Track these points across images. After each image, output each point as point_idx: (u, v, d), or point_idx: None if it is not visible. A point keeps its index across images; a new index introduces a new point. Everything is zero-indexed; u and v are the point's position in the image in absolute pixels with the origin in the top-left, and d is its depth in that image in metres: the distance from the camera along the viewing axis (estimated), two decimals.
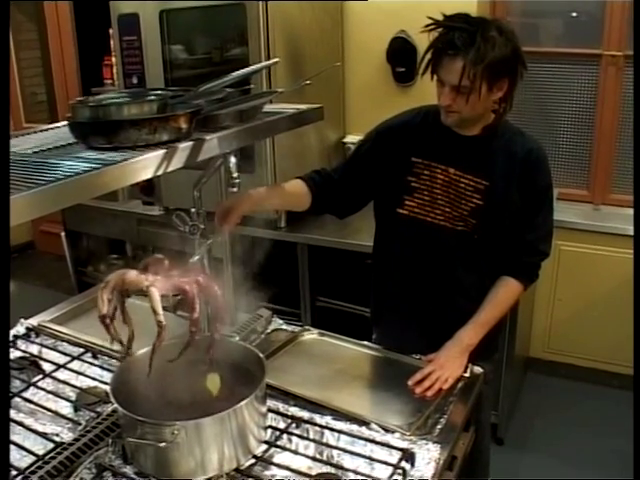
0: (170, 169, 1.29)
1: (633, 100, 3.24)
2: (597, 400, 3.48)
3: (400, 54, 3.40)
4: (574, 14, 3.42)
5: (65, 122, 1.41)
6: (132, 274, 1.52)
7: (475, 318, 1.93)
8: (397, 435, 1.56)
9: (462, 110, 1.80)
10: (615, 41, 3.29)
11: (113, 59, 3.83)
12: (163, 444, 1.35)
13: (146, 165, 1.24)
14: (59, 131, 1.55)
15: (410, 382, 1.79)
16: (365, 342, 2.04)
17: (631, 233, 3.27)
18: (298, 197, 2.04)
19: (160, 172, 1.27)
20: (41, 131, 1.59)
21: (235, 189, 1.57)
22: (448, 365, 1.83)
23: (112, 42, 3.44)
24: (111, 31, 3.31)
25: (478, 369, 1.86)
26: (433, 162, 1.93)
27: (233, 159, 1.57)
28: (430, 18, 1.79)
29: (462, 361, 1.86)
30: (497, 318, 1.96)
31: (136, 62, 3.21)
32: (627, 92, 3.35)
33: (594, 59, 3.38)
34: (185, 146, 1.33)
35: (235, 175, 1.56)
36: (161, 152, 1.27)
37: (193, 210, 1.77)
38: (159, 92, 1.46)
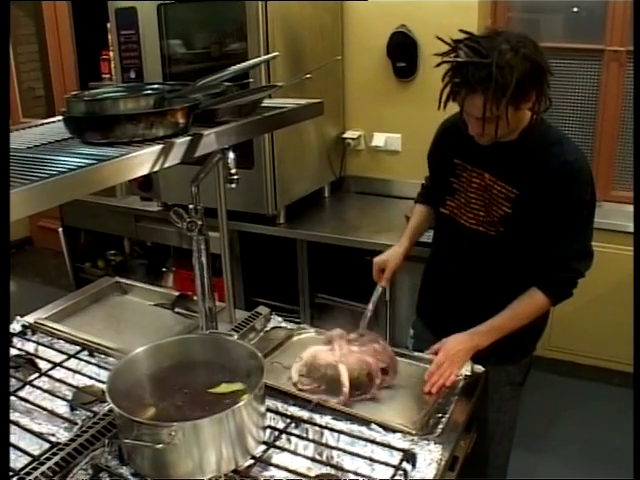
0: (167, 165, 1.27)
1: (633, 97, 3.21)
2: (598, 398, 3.47)
3: (400, 49, 3.37)
4: (576, 9, 3.40)
5: (60, 117, 1.39)
6: (322, 353, 1.78)
7: (491, 321, 1.89)
8: (398, 435, 1.54)
9: (493, 135, 1.78)
10: (617, 36, 3.26)
11: (111, 53, 3.80)
12: (160, 445, 1.32)
13: (142, 161, 1.21)
14: (54, 126, 1.53)
15: (426, 377, 1.77)
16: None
17: (632, 230, 3.26)
18: (428, 219, 2.24)
19: (157, 168, 1.25)
20: (36, 126, 1.57)
21: (234, 185, 1.55)
22: (455, 359, 1.80)
23: (110, 36, 3.41)
24: (109, 25, 3.28)
25: (480, 368, 1.83)
26: (471, 165, 1.93)
27: (231, 154, 1.55)
28: (440, 39, 1.72)
29: (466, 359, 1.82)
30: (514, 327, 1.90)
31: (134, 57, 3.19)
32: (629, 88, 3.33)
33: (596, 54, 3.35)
34: (182, 141, 1.31)
35: (233, 171, 1.54)
36: (158, 147, 1.25)
37: (191, 206, 1.75)
38: (156, 86, 1.43)
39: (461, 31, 1.75)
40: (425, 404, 1.70)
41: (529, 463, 3.02)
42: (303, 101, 1.79)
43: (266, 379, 1.53)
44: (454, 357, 1.80)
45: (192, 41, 3.24)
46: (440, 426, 1.60)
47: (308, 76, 1.67)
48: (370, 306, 2.10)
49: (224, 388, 1.54)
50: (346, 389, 1.69)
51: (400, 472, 1.42)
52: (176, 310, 2.27)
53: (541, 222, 1.85)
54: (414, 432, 1.55)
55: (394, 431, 1.55)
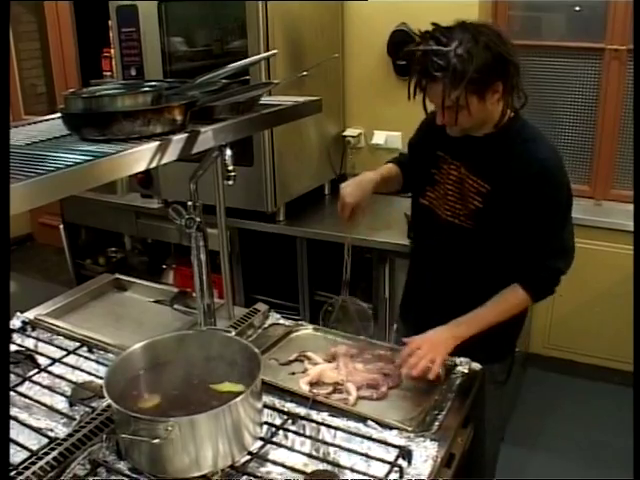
0: (164, 161, 1.28)
1: (633, 96, 3.21)
2: (597, 396, 3.47)
3: (401, 47, 3.34)
4: (577, 8, 3.40)
5: (59, 114, 1.40)
6: (327, 371, 1.78)
7: (472, 313, 1.88)
8: (394, 432, 1.54)
9: (454, 124, 1.81)
10: (618, 35, 3.26)
11: (112, 51, 3.80)
12: (157, 440, 1.33)
13: (139, 157, 1.22)
14: (54, 123, 1.54)
15: (398, 360, 1.77)
16: (360, 337, 2.03)
17: (632, 229, 3.26)
18: (397, 178, 2.20)
19: (154, 164, 1.25)
20: (36, 123, 1.58)
21: (231, 182, 1.55)
22: (434, 346, 1.76)
23: (111, 34, 3.41)
24: (110, 23, 3.29)
25: (477, 365, 1.83)
26: (450, 157, 1.95)
27: (229, 151, 1.55)
28: (412, 33, 1.79)
29: (447, 347, 1.79)
30: (494, 321, 1.88)
31: (135, 54, 3.19)
32: (630, 86, 3.33)
33: (597, 53, 3.35)
34: (179, 138, 1.31)
35: (231, 168, 1.54)
36: (155, 144, 1.25)
37: (189, 203, 1.75)
38: (154, 83, 1.44)
39: (432, 24, 1.79)
40: (422, 401, 1.70)
41: (528, 461, 3.03)
42: (302, 98, 1.80)
43: (263, 375, 1.55)
44: (433, 341, 1.78)
45: (193, 39, 3.24)
46: (436, 423, 1.60)
47: (304, 74, 1.68)
48: (347, 273, 2.11)
49: (226, 387, 1.54)
50: (353, 400, 1.70)
51: (396, 468, 1.42)
52: (175, 307, 2.28)
53: (515, 220, 1.85)
54: (410, 429, 1.56)
55: (390, 428, 1.56)
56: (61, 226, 4.18)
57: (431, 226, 2.03)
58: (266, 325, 2.11)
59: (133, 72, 3.21)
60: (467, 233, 1.93)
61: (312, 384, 1.76)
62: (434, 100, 1.77)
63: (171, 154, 1.29)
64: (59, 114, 1.45)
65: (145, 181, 3.49)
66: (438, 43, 1.70)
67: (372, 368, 1.82)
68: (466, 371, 1.81)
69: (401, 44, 3.36)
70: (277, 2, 2.87)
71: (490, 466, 2.29)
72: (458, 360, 1.83)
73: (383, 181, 2.12)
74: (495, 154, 1.87)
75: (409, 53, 1.78)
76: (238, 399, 1.40)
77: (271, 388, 1.71)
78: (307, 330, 2.08)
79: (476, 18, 3.15)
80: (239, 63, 1.59)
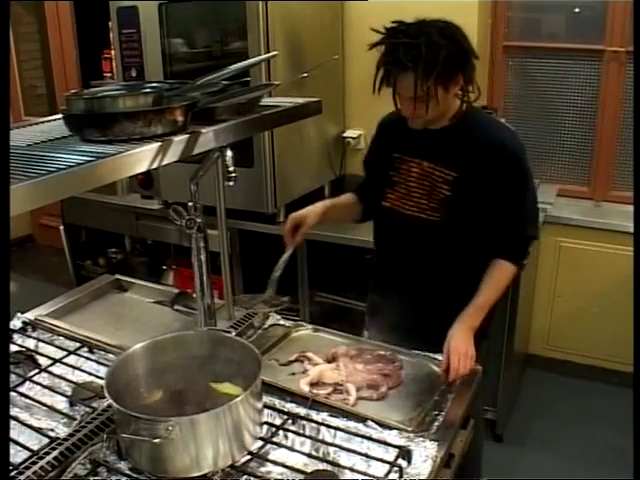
0: (165, 162, 1.28)
1: (633, 98, 3.21)
2: (596, 397, 3.47)
3: None
4: (577, 9, 3.40)
5: (60, 115, 1.40)
6: (328, 372, 1.79)
7: (474, 301, 1.95)
8: (394, 432, 1.55)
9: (424, 115, 1.86)
10: (618, 37, 3.27)
11: (112, 52, 3.81)
12: (157, 440, 1.33)
13: (140, 158, 1.23)
14: (54, 124, 1.54)
15: (442, 367, 1.82)
16: (360, 337, 2.03)
17: (632, 230, 3.26)
18: (353, 208, 2.24)
19: (155, 165, 1.26)
20: (36, 124, 1.58)
21: (232, 183, 1.56)
22: (465, 345, 1.85)
23: (111, 35, 3.42)
24: (110, 24, 3.29)
25: (478, 368, 1.85)
26: (409, 157, 2.02)
27: (229, 152, 1.56)
28: (374, 30, 1.88)
29: (471, 340, 1.88)
30: (494, 299, 1.99)
31: (135, 55, 3.19)
32: (629, 88, 3.33)
33: (596, 55, 3.36)
34: (180, 139, 1.32)
35: (231, 169, 1.55)
36: (156, 145, 1.26)
37: (190, 204, 1.76)
38: (155, 85, 1.44)
39: (392, 22, 1.87)
40: (422, 401, 1.70)
41: (527, 461, 3.03)
42: (302, 100, 1.81)
43: (264, 376, 1.55)
44: (463, 342, 1.85)
45: (193, 40, 3.24)
46: (436, 423, 1.60)
47: (305, 75, 1.68)
48: (278, 271, 2.08)
49: (226, 388, 1.55)
50: (353, 400, 1.71)
51: (395, 468, 1.43)
52: (175, 307, 2.28)
53: (484, 199, 1.94)
54: (410, 429, 1.56)
55: (390, 428, 1.56)
56: (61, 227, 4.18)
57: (396, 226, 2.09)
58: (266, 326, 2.11)
59: (133, 73, 3.22)
60: (434, 225, 1.99)
61: (312, 384, 1.76)
62: (404, 92, 1.82)
63: (172, 155, 1.29)
64: (60, 115, 1.46)
65: (145, 182, 3.49)
66: (406, 36, 1.78)
67: (372, 368, 1.83)
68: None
69: None
70: (277, 3, 2.88)
71: (476, 459, 2.32)
72: None
73: (335, 207, 2.17)
74: (457, 142, 1.95)
75: (379, 46, 1.85)
76: (238, 399, 1.40)
77: (271, 388, 1.71)
78: (307, 331, 2.09)
79: (475, 19, 3.18)
80: (240, 64, 1.59)
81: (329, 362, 1.87)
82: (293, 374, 1.84)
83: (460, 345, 1.84)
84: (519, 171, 1.96)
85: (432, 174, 1.97)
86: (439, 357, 1.87)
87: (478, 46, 3.29)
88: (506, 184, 1.94)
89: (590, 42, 3.36)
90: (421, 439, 1.52)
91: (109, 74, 4.11)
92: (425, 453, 1.47)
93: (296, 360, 1.90)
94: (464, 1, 3.17)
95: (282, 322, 2.14)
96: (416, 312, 2.02)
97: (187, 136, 1.34)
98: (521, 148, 1.97)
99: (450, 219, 1.97)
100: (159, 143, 1.26)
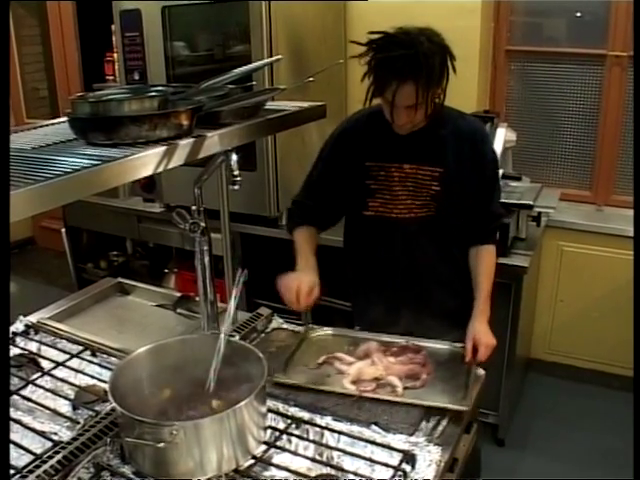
0: (170, 166, 1.28)
1: (634, 102, 3.21)
2: (598, 401, 3.47)
3: None
4: (579, 14, 3.41)
5: (65, 118, 1.40)
6: (366, 368, 1.83)
7: (480, 292, 2.03)
8: (398, 437, 1.55)
9: (417, 121, 1.92)
10: (620, 41, 3.27)
11: (115, 55, 3.81)
12: (162, 444, 1.33)
13: (146, 162, 1.23)
14: (59, 127, 1.54)
15: (468, 358, 1.87)
16: (378, 334, 2.05)
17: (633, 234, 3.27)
18: (316, 238, 2.19)
19: (160, 169, 1.26)
20: (41, 127, 1.58)
21: (237, 187, 1.56)
22: (485, 335, 1.92)
23: (114, 38, 3.42)
24: (113, 27, 3.30)
25: (480, 371, 1.85)
26: (386, 163, 2.03)
27: (234, 156, 1.56)
28: (355, 42, 1.90)
29: (490, 332, 1.96)
30: (491, 285, 2.07)
31: (138, 58, 3.20)
32: (631, 93, 3.33)
33: (599, 59, 3.36)
34: (186, 143, 1.32)
35: (236, 173, 1.55)
36: (161, 149, 1.26)
37: (194, 207, 1.76)
38: (160, 88, 1.44)
39: (370, 32, 1.89)
40: (459, 382, 1.78)
41: (529, 465, 3.03)
42: (306, 104, 1.81)
43: (298, 380, 1.70)
44: (483, 332, 1.93)
45: (196, 43, 3.25)
46: (440, 428, 1.61)
47: (310, 79, 1.68)
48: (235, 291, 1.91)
49: (225, 388, 1.55)
50: (401, 390, 1.75)
51: (400, 473, 1.43)
52: (178, 311, 2.28)
53: (470, 186, 2.03)
54: (414, 433, 1.56)
55: (394, 432, 1.56)
56: (63, 230, 4.19)
57: (384, 231, 2.09)
58: (269, 330, 2.12)
59: (136, 76, 3.22)
60: (425, 221, 2.04)
61: (353, 382, 1.79)
62: (403, 101, 1.83)
63: (178, 159, 1.29)
64: (64, 118, 1.46)
65: (148, 185, 3.49)
66: (401, 47, 1.79)
67: (404, 360, 1.88)
68: None
69: None
70: (280, 6, 2.88)
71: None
72: None
73: (313, 251, 2.13)
74: (436, 139, 2.01)
75: (373, 59, 1.85)
76: (242, 403, 1.40)
77: (310, 391, 1.75)
78: (322, 332, 2.10)
79: (478, 23, 3.19)
80: (244, 68, 1.59)
81: (360, 359, 1.89)
82: (329, 376, 1.85)
83: (483, 337, 1.91)
84: (492, 157, 2.10)
85: (415, 174, 2.01)
86: (443, 343, 1.98)
87: (480, 50, 3.31)
88: (484, 169, 2.05)
89: (592, 46, 3.37)
90: (425, 443, 1.52)
91: (111, 77, 4.11)
92: (429, 457, 1.47)
93: (324, 362, 1.91)
94: (467, 6, 3.18)
95: (285, 326, 2.14)
96: (417, 302, 2.10)
97: (192, 140, 1.34)
98: (487, 132, 2.16)
99: (440, 211, 2.03)
100: (165, 147, 1.26)
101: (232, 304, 1.68)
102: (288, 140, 3.08)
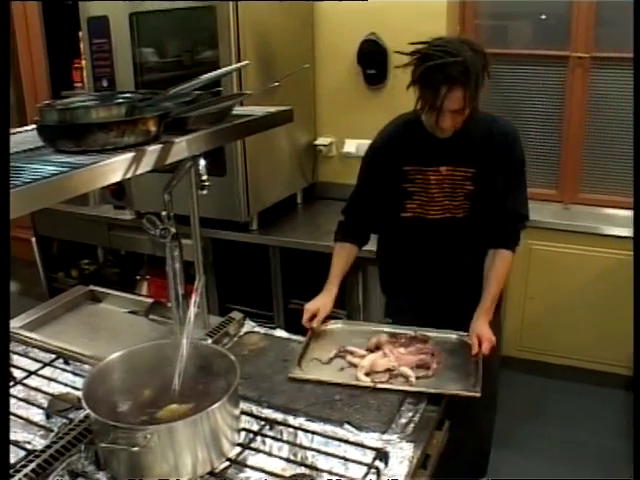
0: (139, 172, 1.29)
1: (633, 103, 3.20)
2: (572, 397, 3.50)
3: (370, 56, 3.41)
4: (543, 16, 3.46)
5: (33, 126, 1.40)
6: (378, 359, 1.90)
7: (488, 294, 2.17)
8: (370, 435, 1.57)
9: (460, 124, 2.05)
10: (582, 43, 3.33)
11: (83, 62, 3.79)
12: (136, 449, 1.34)
13: (114, 168, 1.23)
14: (27, 135, 1.54)
15: (474, 352, 1.97)
16: (384, 325, 2.16)
17: (601, 232, 3.35)
18: (354, 254, 2.35)
19: (129, 175, 1.27)
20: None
21: (205, 192, 1.57)
22: (491, 336, 2.03)
23: (82, 45, 3.40)
24: (81, 34, 3.28)
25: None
26: (423, 167, 2.16)
27: (202, 161, 1.57)
28: (400, 52, 2.00)
29: (490, 329, 2.07)
30: (501, 289, 2.23)
31: (106, 65, 3.19)
32: (593, 93, 3.40)
33: (562, 61, 3.41)
34: (153, 149, 1.33)
35: (204, 177, 1.56)
36: (129, 155, 1.26)
37: (164, 213, 1.76)
38: (128, 95, 1.45)
39: (412, 43, 1.99)
40: (469, 370, 1.87)
41: (504, 462, 3.05)
42: (273, 108, 1.82)
43: (311, 375, 1.78)
44: (486, 328, 2.06)
45: (164, 49, 3.25)
46: (412, 425, 1.63)
47: (276, 84, 1.70)
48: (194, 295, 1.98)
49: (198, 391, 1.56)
50: (414, 380, 1.82)
51: (373, 470, 1.45)
52: (150, 317, 2.28)
53: (499, 185, 2.16)
54: (386, 431, 1.58)
55: (367, 430, 1.58)
56: (33, 239, 4.15)
57: (421, 231, 2.24)
58: (241, 333, 2.13)
59: (104, 83, 3.21)
60: (460, 219, 2.19)
61: (367, 374, 1.84)
62: (453, 105, 1.94)
63: (146, 165, 1.30)
64: (32, 126, 1.46)
65: (117, 192, 3.49)
66: (449, 55, 1.90)
67: (413, 350, 1.96)
68: None
69: (371, 53, 3.41)
70: (248, 11, 2.89)
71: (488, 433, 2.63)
72: None
73: (344, 270, 2.30)
74: (469, 141, 2.14)
75: (421, 67, 1.94)
76: (215, 406, 1.42)
77: (332, 385, 1.80)
78: (328, 326, 2.16)
79: (444, 27, 3.23)
80: (212, 74, 1.61)
81: (371, 351, 1.95)
82: (342, 369, 1.90)
83: (485, 333, 2.03)
84: (522, 158, 2.21)
85: (452, 176, 2.15)
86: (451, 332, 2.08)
87: None
88: (512, 170, 2.18)
89: (555, 48, 3.42)
90: (397, 441, 1.54)
91: (79, 84, 4.09)
92: (401, 454, 1.50)
93: (336, 356, 1.96)
94: (432, 9, 3.21)
95: (257, 329, 2.15)
96: (447, 297, 2.31)
97: (160, 146, 1.35)
98: (520, 139, 2.21)
99: (474, 209, 2.17)
100: (133, 153, 1.27)
101: (192, 309, 1.68)
102: (257, 145, 3.09)
